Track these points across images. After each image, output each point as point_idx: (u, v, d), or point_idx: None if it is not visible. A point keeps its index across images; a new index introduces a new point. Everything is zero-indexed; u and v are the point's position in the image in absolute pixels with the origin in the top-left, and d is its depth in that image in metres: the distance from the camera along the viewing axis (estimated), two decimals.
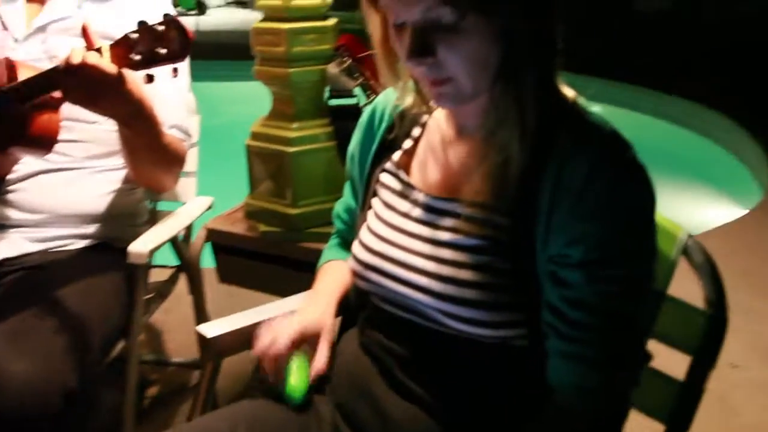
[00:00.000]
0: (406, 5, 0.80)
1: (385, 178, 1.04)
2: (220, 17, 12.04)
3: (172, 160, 1.49)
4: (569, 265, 0.81)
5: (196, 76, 1.58)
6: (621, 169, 0.81)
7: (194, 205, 1.81)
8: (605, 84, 5.38)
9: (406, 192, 0.99)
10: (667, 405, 0.97)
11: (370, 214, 1.04)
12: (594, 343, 0.83)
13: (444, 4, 0.77)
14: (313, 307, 1.08)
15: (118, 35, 1.44)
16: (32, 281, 1.40)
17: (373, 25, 0.92)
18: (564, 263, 0.82)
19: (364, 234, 1.02)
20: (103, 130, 1.52)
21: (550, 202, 0.82)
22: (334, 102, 1.53)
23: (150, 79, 1.18)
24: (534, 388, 0.88)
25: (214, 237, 1.70)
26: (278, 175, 1.57)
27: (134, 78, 1.24)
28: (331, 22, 1.54)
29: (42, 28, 1.50)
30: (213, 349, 1.15)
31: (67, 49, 1.41)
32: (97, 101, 1.24)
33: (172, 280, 1.83)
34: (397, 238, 0.97)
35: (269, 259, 1.64)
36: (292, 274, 1.62)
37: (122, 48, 1.16)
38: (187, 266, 1.83)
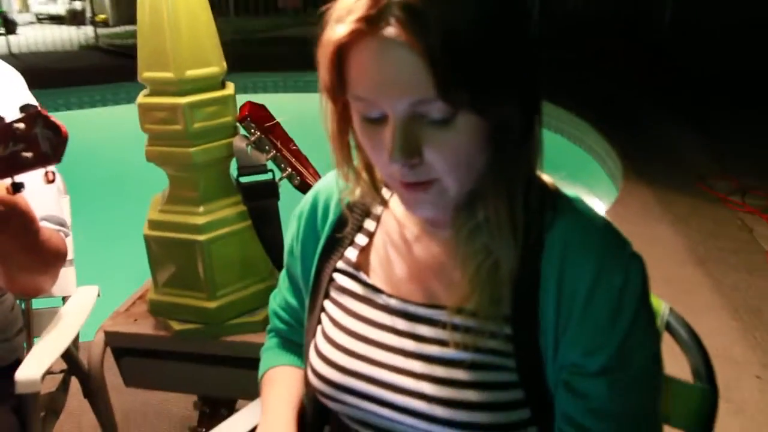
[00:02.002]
0: (391, 96, 0.69)
1: (340, 279, 0.92)
2: (33, 36, 11.04)
3: (52, 258, 1.27)
4: (588, 374, 0.75)
5: None
6: (626, 271, 0.76)
7: (79, 301, 1.56)
8: None
9: (370, 296, 0.89)
10: None
11: (324, 321, 0.93)
12: None
13: (438, 99, 0.67)
14: None
15: None
16: None
17: (329, 116, 0.80)
18: (581, 373, 0.76)
19: (322, 345, 0.91)
20: None
21: (556, 310, 0.76)
22: (245, 179, 1.36)
23: (17, 188, 0.96)
24: None
25: (116, 340, 1.48)
26: (188, 266, 1.38)
27: None
28: (231, 90, 1.38)
29: None
30: None
31: None
32: None
33: (63, 389, 1.59)
34: (370, 352, 0.86)
35: (183, 357, 1.45)
36: (212, 370, 1.45)
37: None
38: (79, 371, 1.59)
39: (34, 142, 0.90)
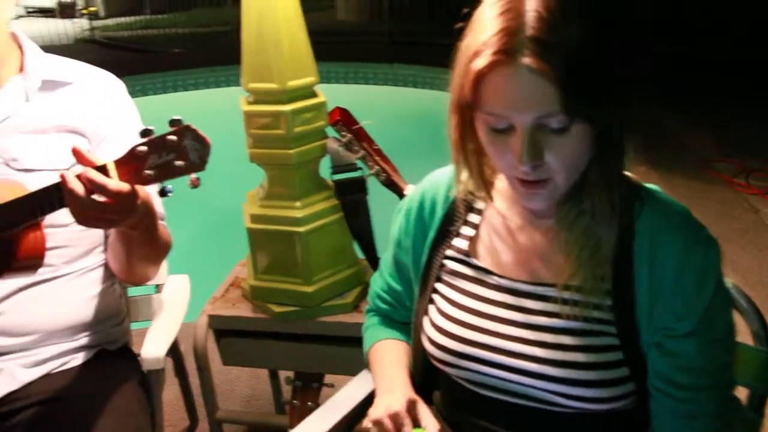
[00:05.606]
0: (521, 112, 0.84)
1: (451, 264, 1.08)
2: (28, 31, 10.98)
3: (164, 249, 1.43)
4: (678, 336, 0.92)
5: None
6: (707, 249, 0.93)
7: (176, 288, 1.72)
8: None
9: (481, 277, 1.05)
10: None
11: (437, 300, 1.09)
12: (709, 399, 0.94)
13: (560, 112, 0.82)
14: (397, 393, 1.09)
15: (77, 125, 1.35)
16: (54, 421, 1.29)
17: (454, 126, 0.96)
18: (671, 335, 0.93)
19: (438, 320, 1.06)
20: (78, 230, 1.41)
21: (650, 282, 0.93)
22: (338, 177, 1.53)
23: (164, 193, 1.08)
24: None
25: (218, 323, 1.64)
26: (288, 255, 1.55)
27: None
28: (322, 97, 1.54)
29: None
30: None
31: (22, 148, 1.30)
32: (112, 223, 1.15)
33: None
34: (484, 324, 1.02)
35: (279, 337, 1.62)
36: (306, 348, 1.62)
37: (131, 164, 1.04)
38: (175, 352, 1.75)
39: (184, 153, 1.01)
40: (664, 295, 0.92)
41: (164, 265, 1.75)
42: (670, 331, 0.93)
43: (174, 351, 1.74)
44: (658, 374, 0.94)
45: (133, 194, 1.07)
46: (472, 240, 1.07)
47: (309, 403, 1.58)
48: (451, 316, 1.05)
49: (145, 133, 1.03)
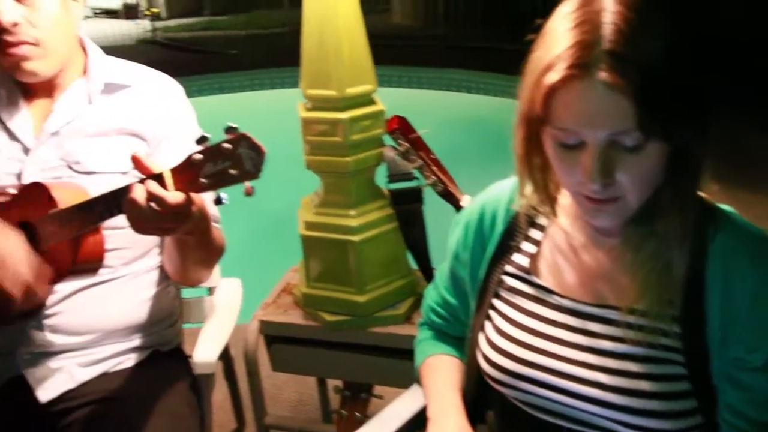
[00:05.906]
0: (594, 128, 0.81)
1: (510, 281, 1.05)
2: (93, 31, 11.34)
3: (218, 252, 1.43)
4: (751, 369, 0.87)
5: None
6: None
7: (227, 292, 1.74)
8: None
9: (541, 296, 1.01)
10: None
11: (495, 317, 1.05)
12: None
13: (636, 129, 0.79)
14: (450, 420, 1.08)
15: (136, 128, 1.36)
16: (108, 420, 1.31)
17: (520, 140, 0.93)
18: (744, 367, 0.88)
19: (495, 338, 1.03)
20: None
21: (722, 310, 0.87)
22: (394, 186, 1.52)
23: (219, 201, 1.06)
24: None
25: (269, 329, 1.64)
26: (341, 263, 1.54)
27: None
28: (381, 105, 1.52)
29: (56, 133, 1.37)
30: None
31: (85, 151, 1.32)
32: (168, 231, 1.15)
33: None
34: (544, 345, 0.98)
35: (330, 345, 1.61)
36: (356, 358, 1.60)
37: (187, 172, 1.03)
38: (225, 355, 1.76)
39: (239, 161, 0.99)
40: (737, 325, 0.87)
41: (217, 268, 1.77)
42: (743, 363, 0.88)
43: (225, 354, 1.75)
44: (729, 407, 0.90)
45: (189, 203, 1.07)
46: (533, 257, 1.04)
47: (357, 414, 1.56)
48: (509, 335, 1.02)
49: (201, 140, 1.02)
